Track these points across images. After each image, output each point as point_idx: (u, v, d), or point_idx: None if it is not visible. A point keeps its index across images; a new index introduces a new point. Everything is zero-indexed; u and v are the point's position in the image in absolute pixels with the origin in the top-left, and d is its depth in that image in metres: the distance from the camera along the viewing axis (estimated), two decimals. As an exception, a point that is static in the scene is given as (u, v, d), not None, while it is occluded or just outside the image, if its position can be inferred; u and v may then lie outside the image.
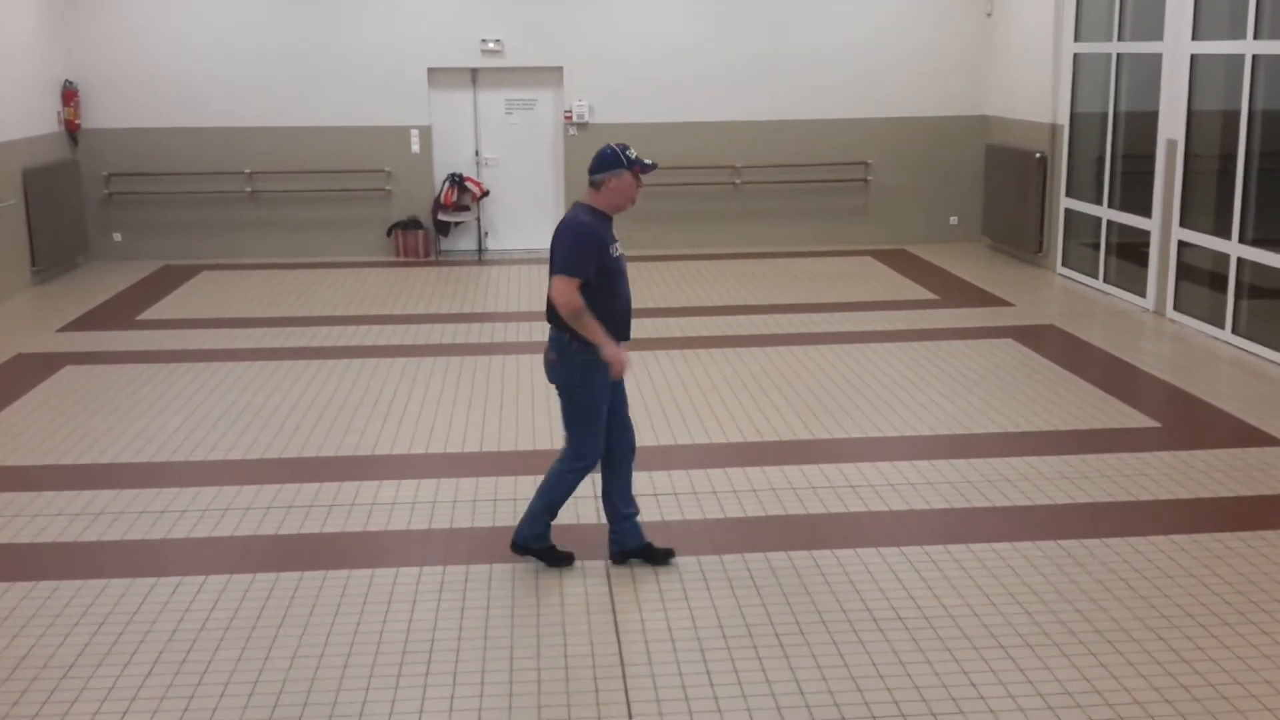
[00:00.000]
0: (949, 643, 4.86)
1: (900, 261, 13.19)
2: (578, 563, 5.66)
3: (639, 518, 5.69)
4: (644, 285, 11.86)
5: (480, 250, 14.10)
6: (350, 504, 6.42)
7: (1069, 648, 4.81)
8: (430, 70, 13.62)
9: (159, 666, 4.75)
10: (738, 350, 9.46)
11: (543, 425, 7.71)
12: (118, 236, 13.65)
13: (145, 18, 13.28)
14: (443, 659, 4.79)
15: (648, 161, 5.52)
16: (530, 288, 12.05)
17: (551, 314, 5.40)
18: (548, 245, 5.67)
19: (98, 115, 13.38)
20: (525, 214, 14.11)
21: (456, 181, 13.68)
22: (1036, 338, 9.81)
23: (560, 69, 13.72)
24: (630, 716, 4.37)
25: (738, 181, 13.99)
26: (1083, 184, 12.10)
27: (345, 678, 4.65)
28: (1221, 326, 9.71)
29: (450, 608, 5.23)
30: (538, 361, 9.16)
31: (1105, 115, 11.58)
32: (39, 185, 12.22)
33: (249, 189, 13.65)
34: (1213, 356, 9.26)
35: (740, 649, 4.84)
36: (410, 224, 13.75)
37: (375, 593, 5.37)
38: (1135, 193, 11.12)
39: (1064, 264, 12.43)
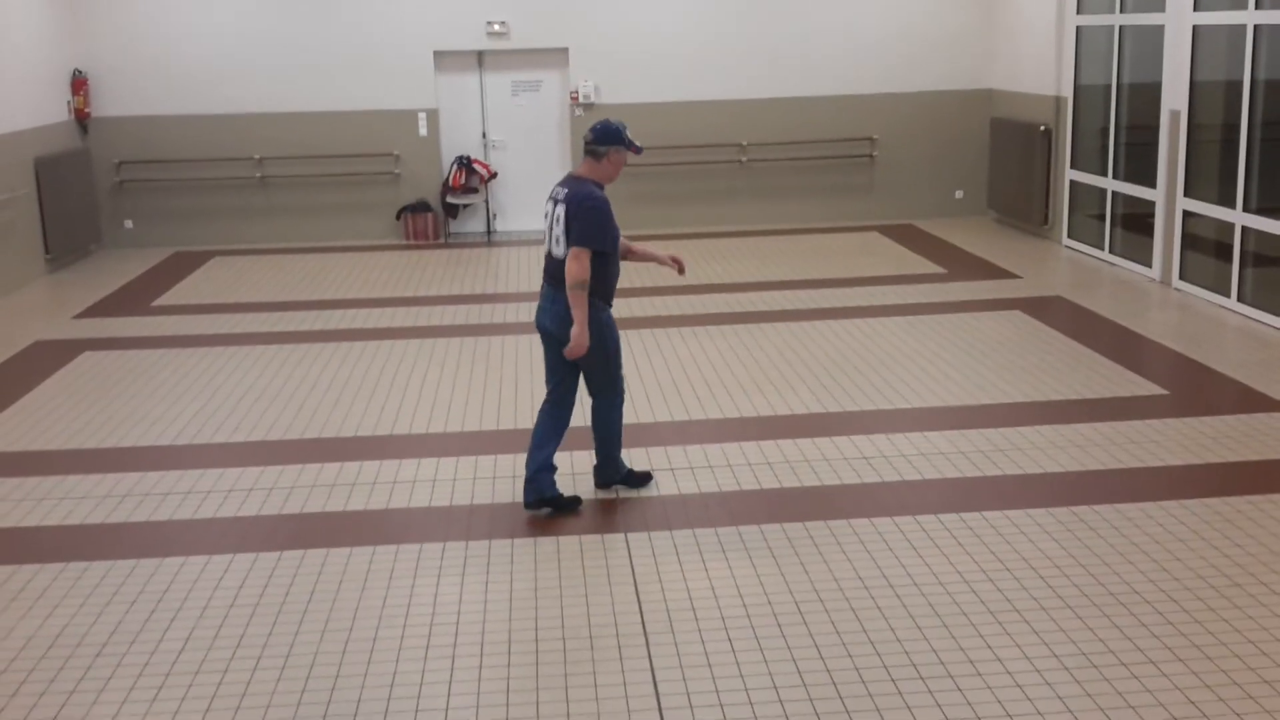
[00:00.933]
0: (965, 608, 4.96)
1: (907, 236, 13.26)
2: (597, 536, 5.77)
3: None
4: (652, 266, 11.91)
5: (489, 232, 14.18)
6: (371, 483, 6.53)
7: (1083, 610, 4.91)
8: (436, 53, 13.68)
9: (192, 642, 4.86)
10: (748, 326, 9.54)
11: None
12: (129, 224, 13.75)
13: (153, 6, 13.34)
14: (469, 630, 4.89)
15: (639, 145, 6.01)
16: (539, 268, 12.12)
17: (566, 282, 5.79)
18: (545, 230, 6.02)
19: (107, 104, 13.46)
20: (533, 195, 14.17)
21: (464, 164, 13.75)
22: (1044, 309, 9.88)
23: (566, 50, 13.77)
24: (655, 683, 4.47)
25: (744, 159, 14.05)
26: (1087, 156, 12.15)
27: (375, 649, 4.76)
28: (1227, 295, 9.79)
29: (475, 581, 5.33)
30: (550, 341, 9.25)
31: (1109, 87, 11.63)
32: (50, 174, 12.31)
33: (259, 175, 13.73)
34: (1219, 324, 9.34)
35: (760, 616, 4.94)
36: (419, 207, 13.83)
37: (400, 568, 5.48)
38: (1139, 164, 11.18)
39: (1070, 236, 12.49)
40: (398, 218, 13.89)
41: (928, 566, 5.35)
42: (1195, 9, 10.11)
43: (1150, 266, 10.94)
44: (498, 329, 9.76)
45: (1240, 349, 8.66)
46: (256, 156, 13.68)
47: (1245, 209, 9.54)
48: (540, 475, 6.02)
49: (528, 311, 10.29)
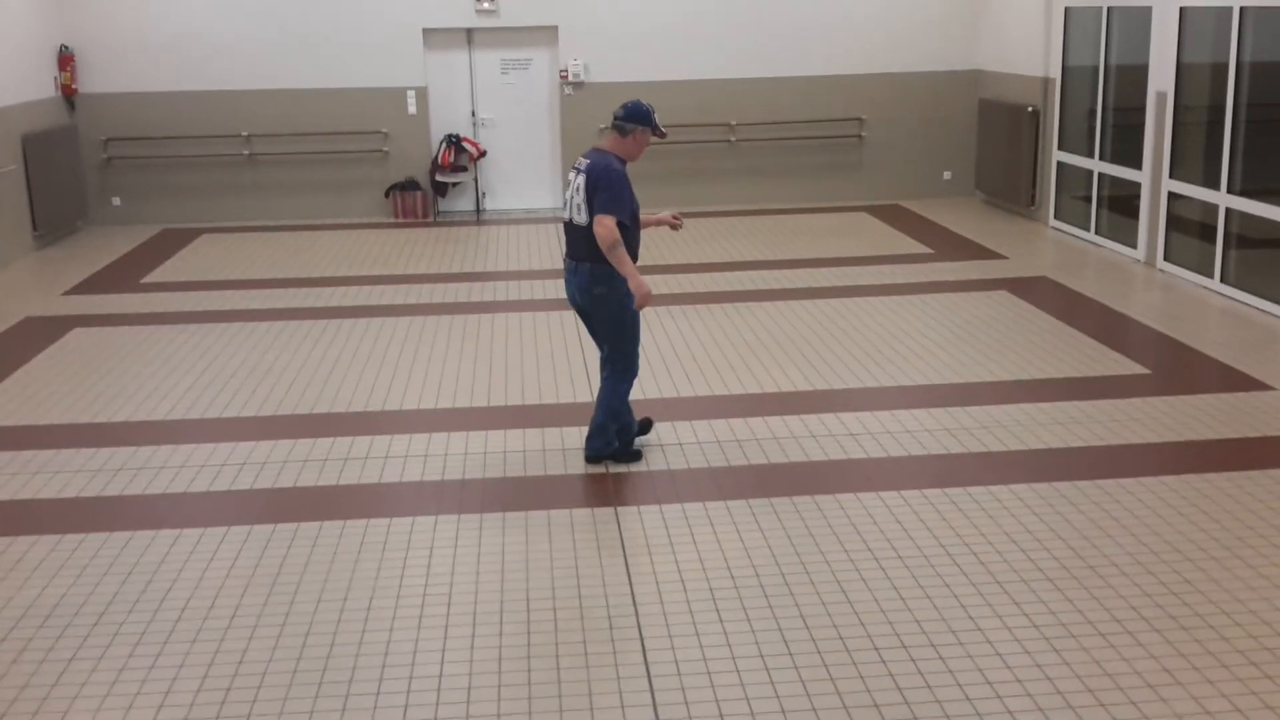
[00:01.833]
0: (947, 579, 5.07)
1: (894, 216, 13.34)
2: (588, 510, 5.85)
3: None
4: (642, 242, 11.97)
5: (478, 210, 14.21)
6: (364, 458, 6.60)
7: (1062, 582, 5.02)
8: (425, 31, 13.69)
9: (188, 612, 4.94)
10: (736, 305, 9.62)
11: (547, 380, 7.88)
12: (117, 201, 13.75)
13: (140, -19, 13.31)
14: (462, 601, 4.98)
15: (664, 129, 6.43)
16: (529, 246, 12.18)
17: (593, 251, 6.06)
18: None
19: (94, 80, 13.44)
20: (522, 174, 14.22)
21: (454, 142, 13.77)
22: (1030, 289, 9.98)
23: (555, 28, 13.79)
24: (644, 653, 4.56)
25: (733, 139, 14.10)
26: (1074, 137, 12.23)
27: (369, 620, 4.85)
28: (1210, 276, 9.89)
29: (467, 553, 5.41)
30: (539, 318, 9.33)
31: (1096, 69, 11.70)
32: (38, 150, 12.30)
33: (247, 152, 13.74)
34: (1202, 305, 9.45)
35: (748, 588, 5.04)
36: (408, 185, 13.85)
37: (393, 540, 5.56)
38: (1126, 145, 11.26)
39: (1056, 217, 12.59)
40: (386, 195, 13.92)
41: (911, 540, 5.45)
42: (1181, -9, 10.19)
43: (1135, 248, 11.05)
44: (487, 307, 9.82)
45: (1222, 329, 8.77)
46: (245, 134, 13.68)
47: (1229, 191, 9.63)
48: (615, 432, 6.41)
49: (517, 290, 10.36)
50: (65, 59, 13.13)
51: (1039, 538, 5.44)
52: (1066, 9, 12.20)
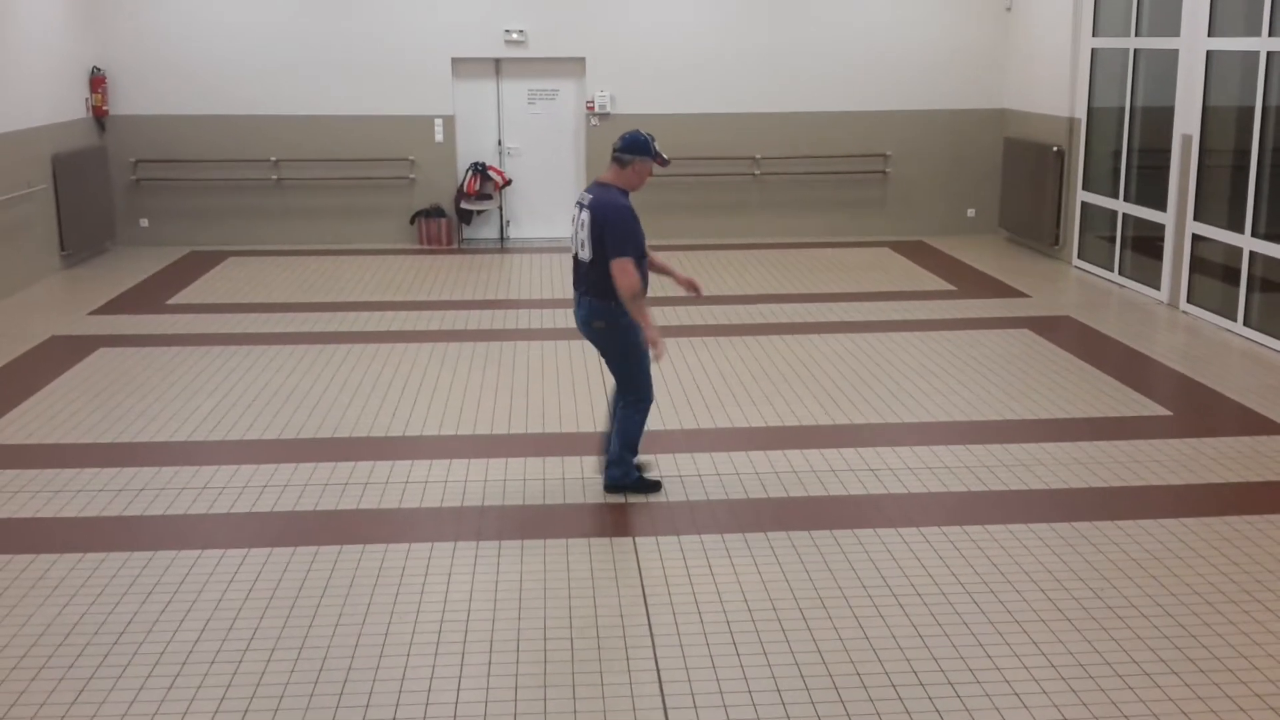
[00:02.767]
0: (965, 617, 5.05)
1: (918, 253, 13.35)
2: (606, 539, 5.86)
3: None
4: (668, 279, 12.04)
5: (502, 238, 14.29)
6: (384, 482, 6.63)
7: (1081, 622, 5.00)
8: (454, 60, 13.81)
9: (207, 633, 4.96)
10: (759, 338, 9.63)
11: (568, 408, 7.90)
12: (144, 222, 13.88)
13: (173, 6, 13.48)
14: (479, 628, 4.99)
15: (666, 156, 6.32)
16: (552, 275, 12.23)
17: (593, 286, 6.05)
18: (569, 233, 6.23)
19: (125, 102, 13.60)
20: (547, 203, 14.30)
21: (479, 170, 13.87)
22: (1052, 328, 9.97)
23: (583, 60, 13.90)
24: (660, 683, 4.56)
25: (757, 172, 14.16)
26: (1099, 178, 12.24)
27: (387, 645, 4.86)
28: (1234, 319, 9.86)
29: (484, 580, 5.43)
30: (562, 347, 9.36)
31: (1122, 110, 11.72)
32: (67, 171, 12.44)
33: (275, 176, 13.86)
34: (1225, 348, 9.41)
35: (765, 621, 5.03)
36: (433, 212, 13.95)
37: (411, 566, 5.57)
38: (1151, 187, 11.26)
39: (1080, 256, 12.57)
40: (412, 222, 14.01)
41: (930, 576, 5.43)
42: (1209, 34, 10.20)
43: (1159, 289, 11.02)
44: (510, 334, 9.86)
45: (1245, 373, 8.73)
46: (273, 158, 13.81)
47: (1254, 234, 9.62)
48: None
49: (539, 318, 10.41)
50: (97, 80, 13.30)
51: (1058, 577, 5.42)
52: (1093, 50, 12.23)
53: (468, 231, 14.21)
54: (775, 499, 6.36)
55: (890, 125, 14.21)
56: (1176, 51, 10.68)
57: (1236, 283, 9.83)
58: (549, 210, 14.31)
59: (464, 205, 13.91)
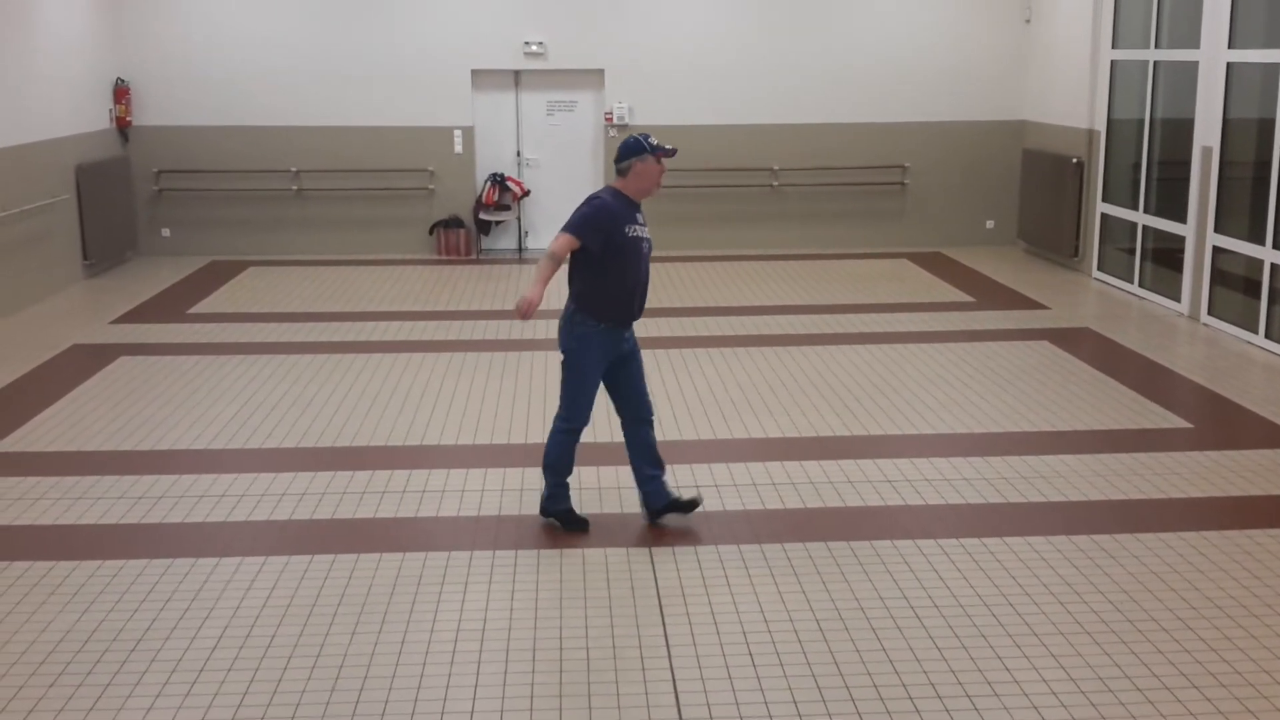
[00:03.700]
0: (984, 630, 5.02)
1: (936, 264, 13.32)
2: (623, 550, 5.85)
3: (665, 477, 6.19)
4: (684, 285, 12.07)
5: (521, 249, 14.32)
6: (401, 491, 6.64)
7: (1100, 636, 4.97)
8: (474, 72, 13.86)
9: (225, 640, 4.98)
10: (776, 349, 9.62)
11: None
12: (166, 232, 13.96)
13: (196, 18, 13.58)
14: (495, 638, 4.99)
15: (668, 147, 5.98)
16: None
17: (570, 286, 6.04)
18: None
19: (148, 113, 13.69)
20: (565, 214, 14.04)
21: (498, 181, 13.91)
22: (1072, 340, 9.93)
23: (601, 71, 13.93)
24: (676, 694, 4.55)
25: (776, 184, 14.15)
26: (1119, 189, 12.20)
27: (403, 653, 4.86)
28: (1255, 331, 9.81)
29: (501, 590, 5.43)
30: (579, 357, 9.35)
31: (1142, 121, 11.68)
32: (91, 181, 12.53)
33: (295, 187, 13.93)
34: (1246, 360, 9.36)
35: (782, 633, 5.02)
36: (452, 223, 13.99)
37: (428, 575, 5.58)
38: (1171, 198, 11.21)
39: (1100, 268, 12.53)
40: (431, 233, 14.06)
41: (948, 589, 5.41)
42: (1229, 46, 10.16)
43: (1179, 301, 10.97)
44: (528, 344, 9.87)
45: (1266, 385, 8.68)
46: (294, 169, 13.88)
47: (1275, 246, 9.57)
48: (647, 487, 6.14)
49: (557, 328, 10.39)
50: (121, 91, 13.39)
51: (1077, 590, 5.39)
52: (1113, 62, 12.20)
53: (486, 242, 14.24)
54: (792, 510, 6.35)
55: (909, 136, 14.19)
56: (1196, 63, 10.64)
57: (1257, 295, 9.78)
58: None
59: (482, 216, 13.95)
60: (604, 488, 6.67)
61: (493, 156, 14.18)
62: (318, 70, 13.73)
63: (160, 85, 13.66)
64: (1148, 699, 4.49)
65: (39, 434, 7.65)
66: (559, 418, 6.10)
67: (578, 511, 6.15)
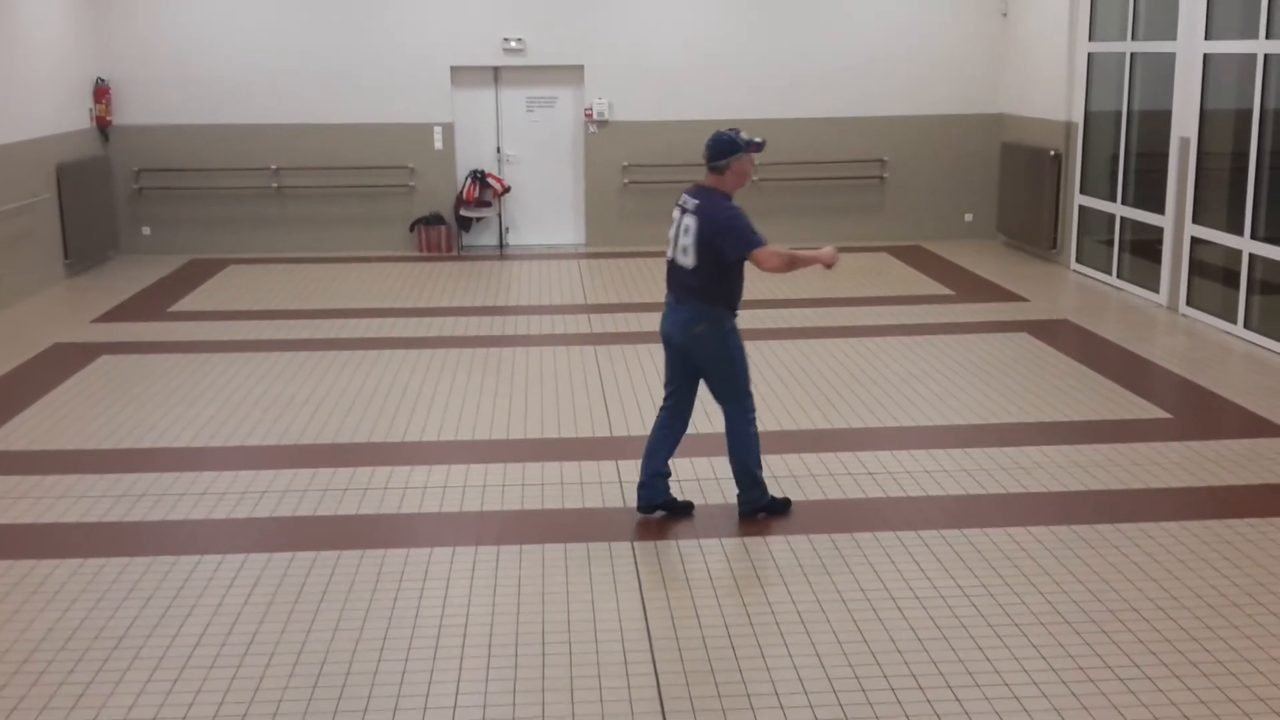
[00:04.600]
0: (964, 621, 5.05)
1: (916, 257, 13.36)
2: (605, 544, 5.86)
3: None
4: (663, 280, 12.05)
5: (501, 246, 14.31)
6: (383, 488, 6.63)
7: (1081, 626, 5.00)
8: (453, 68, 13.84)
9: (206, 638, 4.97)
10: (757, 343, 9.62)
11: (566, 414, 7.90)
12: (147, 231, 13.90)
13: (176, 17, 13.52)
14: (477, 633, 4.99)
15: (758, 140, 6.07)
16: (551, 281, 12.24)
17: (698, 291, 5.93)
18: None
19: (128, 112, 13.63)
20: (546, 210, 14.32)
21: (478, 178, 13.89)
22: (1051, 332, 9.97)
23: (581, 68, 13.92)
24: (659, 688, 4.56)
25: (755, 179, 14.16)
26: (1097, 181, 12.25)
27: (385, 649, 4.86)
28: (1233, 321, 9.87)
29: (483, 585, 5.43)
30: (560, 352, 9.37)
31: (1119, 113, 11.73)
32: (71, 180, 12.47)
33: (275, 185, 13.88)
34: (1225, 350, 9.42)
35: (763, 625, 5.03)
36: (433, 219, 13.96)
37: (410, 571, 5.58)
38: (1149, 190, 11.27)
39: (1078, 260, 12.58)
40: (411, 230, 14.03)
41: (929, 580, 5.43)
42: (1206, 38, 10.22)
43: (1158, 292, 11.03)
44: (509, 340, 9.86)
45: (1245, 375, 8.74)
46: (273, 166, 13.83)
47: (1253, 236, 9.63)
48: (654, 481, 6.13)
49: (539, 324, 10.42)
50: (101, 91, 13.32)
51: (1058, 580, 5.42)
52: (1090, 54, 12.25)
53: (467, 239, 14.22)
54: (775, 503, 6.36)
55: (888, 130, 14.23)
56: (1173, 55, 10.69)
57: (1236, 285, 9.84)
58: (548, 217, 14.33)
59: (463, 212, 13.93)
60: (585, 482, 6.67)
61: (473, 153, 14.16)
62: (297, 68, 13.69)
63: (140, 84, 13.59)
64: (1128, 688, 4.52)
65: (20, 433, 7.61)
66: (737, 414, 6.06)
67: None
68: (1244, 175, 9.68)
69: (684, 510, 6.21)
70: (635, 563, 5.66)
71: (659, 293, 11.42)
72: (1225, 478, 6.69)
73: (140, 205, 13.84)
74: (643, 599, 5.29)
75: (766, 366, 8.96)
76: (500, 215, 14.24)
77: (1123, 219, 11.72)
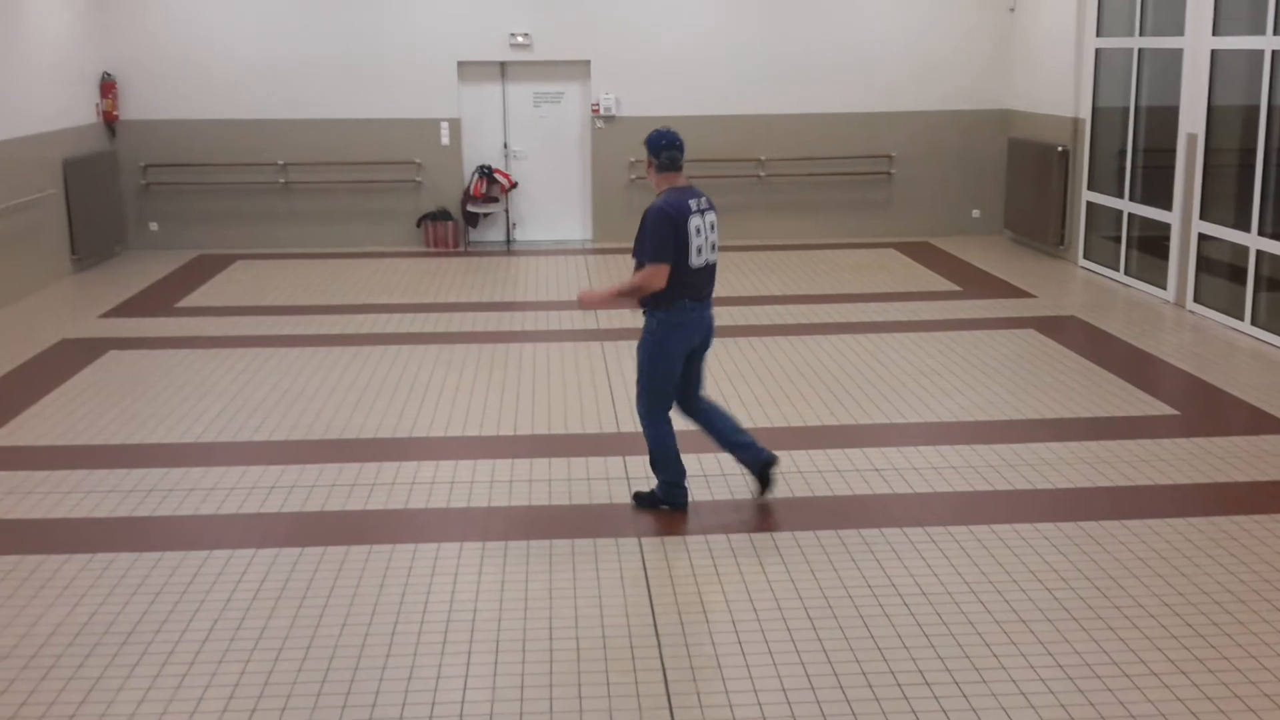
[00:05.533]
0: (971, 617, 5.06)
1: (923, 254, 13.35)
2: (612, 539, 5.88)
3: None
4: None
5: (508, 241, 14.32)
6: (390, 483, 6.65)
7: (1088, 622, 5.00)
8: (460, 64, 13.84)
9: (215, 632, 4.99)
10: (764, 339, 9.64)
11: (573, 409, 7.91)
12: (154, 226, 13.93)
13: (182, 12, 13.54)
14: (485, 628, 5.01)
15: (664, 158, 6.12)
16: (558, 277, 12.25)
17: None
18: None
19: (135, 107, 13.65)
20: (553, 206, 14.32)
21: (485, 173, 13.90)
22: (1058, 328, 9.97)
23: (588, 63, 13.92)
24: (666, 683, 4.58)
25: (762, 174, 14.17)
26: (1104, 177, 12.24)
27: (394, 644, 4.88)
28: (1241, 318, 9.86)
29: (491, 581, 5.44)
30: (568, 348, 9.38)
31: (1127, 109, 11.72)
32: (78, 175, 12.50)
33: (282, 180, 13.90)
34: (1232, 347, 9.41)
35: (770, 621, 5.04)
36: (440, 215, 13.98)
37: (419, 566, 5.59)
38: (1156, 186, 11.26)
39: (1085, 256, 12.57)
40: (418, 225, 14.04)
41: (936, 576, 5.44)
42: (1214, 34, 10.20)
43: (1165, 288, 11.02)
44: (515, 336, 9.88)
45: (1252, 372, 8.73)
46: (281, 162, 13.85)
47: (1260, 233, 9.62)
48: (744, 450, 6.25)
49: (545, 320, 10.43)
50: (107, 86, 13.34)
51: (1064, 577, 5.42)
52: (1097, 50, 12.23)
53: (474, 234, 14.24)
54: (781, 499, 6.37)
55: (895, 126, 14.22)
56: (1181, 51, 10.68)
57: (1243, 282, 9.82)
58: (555, 213, 14.33)
59: (470, 208, 13.94)
60: (592, 478, 6.68)
61: (480, 149, 14.16)
62: (304, 63, 13.70)
63: (147, 79, 13.61)
64: (1134, 684, 4.53)
65: (28, 428, 7.64)
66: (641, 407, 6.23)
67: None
68: (1251, 171, 9.66)
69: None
70: (642, 558, 5.67)
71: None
72: (1232, 474, 6.69)
73: (147, 200, 13.87)
74: (650, 594, 5.30)
75: (774, 363, 8.97)
76: (507, 211, 14.25)
77: (1130, 215, 11.70)
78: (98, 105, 13.30)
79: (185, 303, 11.21)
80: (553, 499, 6.41)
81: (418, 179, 14.01)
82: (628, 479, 6.62)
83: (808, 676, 4.60)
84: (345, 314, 10.67)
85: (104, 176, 13.19)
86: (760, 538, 5.88)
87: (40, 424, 7.72)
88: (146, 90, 13.64)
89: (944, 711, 4.35)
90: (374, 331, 10.05)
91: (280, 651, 4.83)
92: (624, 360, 9.05)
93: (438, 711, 4.39)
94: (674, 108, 13.88)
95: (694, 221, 5.94)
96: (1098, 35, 12.22)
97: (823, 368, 8.83)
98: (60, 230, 12.28)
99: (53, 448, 7.29)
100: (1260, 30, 9.57)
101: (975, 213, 14.51)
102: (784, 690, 4.51)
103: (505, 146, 14.21)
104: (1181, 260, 10.76)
